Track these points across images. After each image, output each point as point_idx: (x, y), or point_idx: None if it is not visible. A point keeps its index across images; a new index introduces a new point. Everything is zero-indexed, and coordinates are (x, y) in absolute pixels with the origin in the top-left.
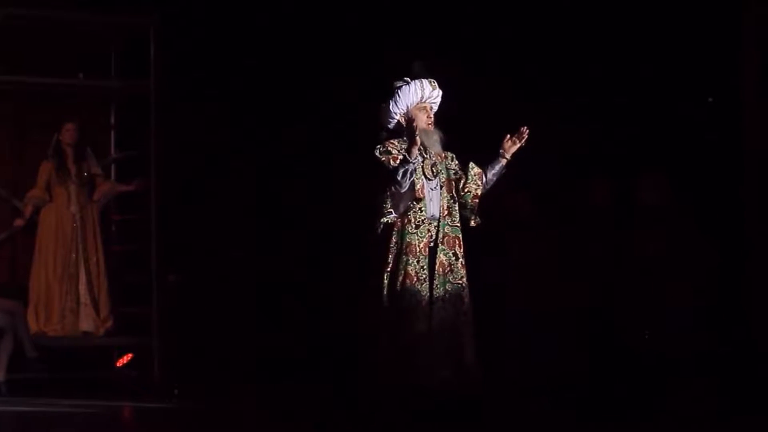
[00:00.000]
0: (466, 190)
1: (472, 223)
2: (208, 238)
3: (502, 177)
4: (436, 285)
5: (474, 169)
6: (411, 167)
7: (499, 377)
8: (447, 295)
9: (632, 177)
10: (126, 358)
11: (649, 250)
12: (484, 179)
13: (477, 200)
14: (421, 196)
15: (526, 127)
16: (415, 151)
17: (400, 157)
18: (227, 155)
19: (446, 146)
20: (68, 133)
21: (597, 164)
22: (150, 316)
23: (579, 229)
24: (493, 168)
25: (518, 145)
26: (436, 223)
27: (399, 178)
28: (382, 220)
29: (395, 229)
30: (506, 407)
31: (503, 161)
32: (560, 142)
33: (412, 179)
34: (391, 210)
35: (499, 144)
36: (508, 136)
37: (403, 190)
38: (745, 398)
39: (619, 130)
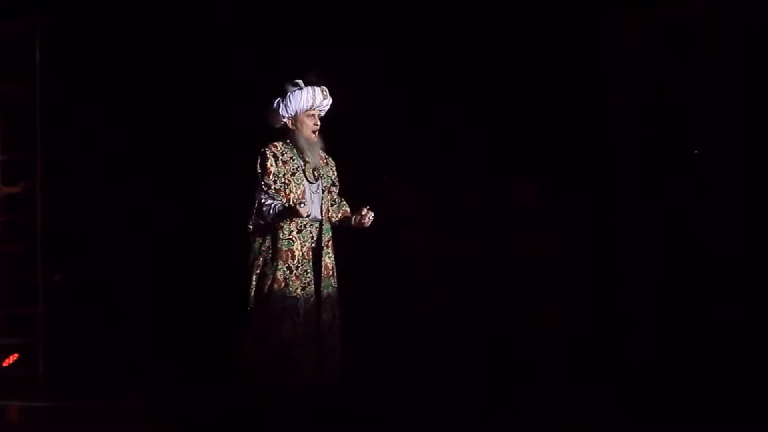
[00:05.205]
0: (334, 216)
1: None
2: (95, 238)
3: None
4: (322, 287)
5: (342, 209)
6: (286, 213)
7: (367, 375)
8: (329, 299)
9: (508, 178)
10: (12, 359)
11: (525, 251)
12: (342, 217)
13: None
14: (303, 199)
15: (369, 212)
16: (304, 212)
17: (273, 168)
18: (114, 157)
19: (329, 150)
20: None
21: (481, 165)
22: (36, 316)
23: (457, 230)
24: (346, 222)
25: (367, 222)
26: (317, 225)
27: (265, 215)
28: (249, 226)
29: (267, 233)
30: (377, 406)
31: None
32: (447, 143)
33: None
34: (258, 222)
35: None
36: (363, 211)
37: (263, 224)
38: (615, 398)
39: (497, 133)
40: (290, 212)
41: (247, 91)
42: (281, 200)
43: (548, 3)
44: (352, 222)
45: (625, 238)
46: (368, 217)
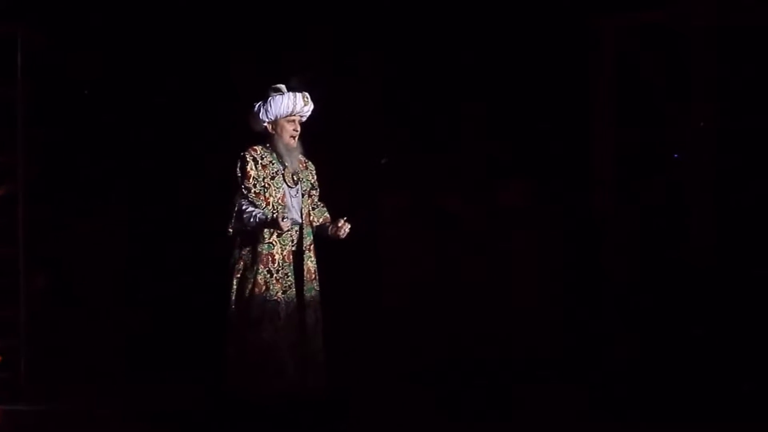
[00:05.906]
0: (316, 220)
1: None
2: (78, 241)
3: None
4: (305, 291)
5: (324, 215)
6: (266, 223)
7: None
8: (312, 302)
9: (496, 180)
10: None
11: (510, 252)
12: (323, 223)
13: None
14: (282, 204)
15: (346, 223)
16: (285, 225)
17: (253, 172)
18: (98, 158)
19: (309, 154)
20: None
21: (466, 167)
22: (18, 318)
23: (454, 231)
24: (323, 231)
25: (343, 233)
26: (298, 228)
27: (245, 221)
28: (230, 229)
29: (248, 237)
30: (362, 408)
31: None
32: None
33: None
34: (236, 227)
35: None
36: (339, 222)
37: (247, 228)
38: (602, 399)
39: (483, 134)
40: (271, 224)
41: (246, 91)
42: (262, 208)
43: (529, 6)
44: (329, 232)
45: (612, 238)
46: (344, 228)
